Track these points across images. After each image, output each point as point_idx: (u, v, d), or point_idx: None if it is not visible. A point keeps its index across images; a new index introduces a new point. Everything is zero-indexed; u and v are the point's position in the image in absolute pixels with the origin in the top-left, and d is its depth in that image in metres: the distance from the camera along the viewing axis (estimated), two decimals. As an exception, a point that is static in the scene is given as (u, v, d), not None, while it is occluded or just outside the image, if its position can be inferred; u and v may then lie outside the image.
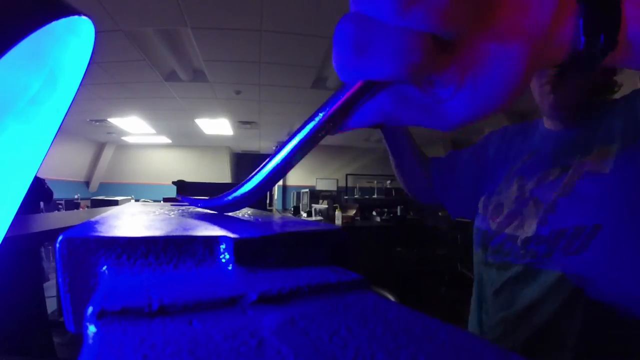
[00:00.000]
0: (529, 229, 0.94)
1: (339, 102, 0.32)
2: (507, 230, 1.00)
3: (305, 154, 0.36)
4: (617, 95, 0.99)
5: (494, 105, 0.29)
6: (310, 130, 0.33)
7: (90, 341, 0.18)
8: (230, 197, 0.44)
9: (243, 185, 0.41)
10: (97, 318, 0.19)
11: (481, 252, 1.08)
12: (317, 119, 0.33)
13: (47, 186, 5.09)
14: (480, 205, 1.15)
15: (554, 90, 0.95)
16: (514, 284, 0.95)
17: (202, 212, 0.56)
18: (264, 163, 0.38)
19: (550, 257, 0.87)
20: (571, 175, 0.91)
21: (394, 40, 0.25)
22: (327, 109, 0.32)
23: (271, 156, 0.37)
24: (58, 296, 3.18)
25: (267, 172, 0.38)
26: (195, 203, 0.59)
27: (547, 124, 1.07)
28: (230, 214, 0.52)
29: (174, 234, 0.30)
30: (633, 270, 0.76)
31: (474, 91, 0.28)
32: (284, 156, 0.36)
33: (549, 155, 1.00)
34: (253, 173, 0.39)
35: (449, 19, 0.24)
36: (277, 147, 0.37)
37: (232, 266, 0.29)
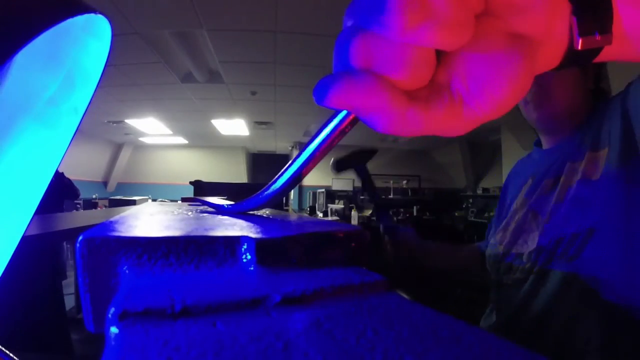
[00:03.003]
0: (532, 242, 0.96)
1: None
2: (514, 250, 1.02)
3: (326, 153, 0.36)
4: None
5: (493, 110, 0.28)
6: (329, 134, 0.33)
7: (113, 343, 0.18)
8: (254, 202, 0.46)
9: (268, 188, 0.42)
10: (119, 319, 0.19)
11: (495, 275, 1.09)
12: (334, 122, 0.33)
13: (75, 186, 5.14)
14: (492, 239, 1.16)
15: (537, 105, 1.01)
16: (525, 295, 0.95)
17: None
18: (287, 165, 0.39)
19: (549, 265, 0.89)
20: (563, 183, 0.93)
21: (398, 56, 0.25)
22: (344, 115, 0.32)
23: (294, 159, 0.38)
24: (76, 293, 3.24)
25: (290, 174, 0.38)
26: (218, 208, 0.59)
27: (544, 142, 1.11)
28: (250, 212, 0.52)
29: (195, 234, 0.30)
30: (630, 272, 0.76)
31: (473, 97, 0.27)
32: (305, 158, 0.36)
33: (546, 171, 1.03)
34: (278, 175, 0.40)
35: (453, 34, 0.24)
36: (292, 146, 0.38)
37: (254, 267, 0.29)
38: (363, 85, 0.26)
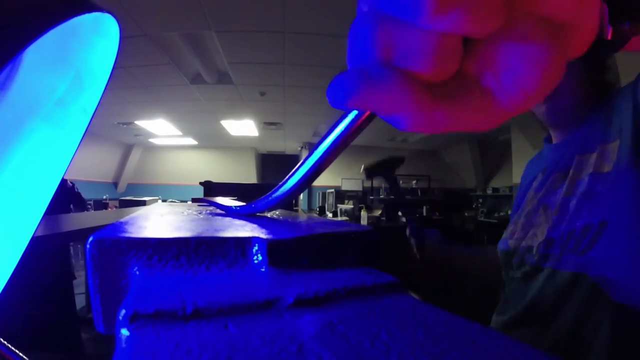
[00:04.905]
0: (541, 235, 0.95)
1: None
2: (524, 243, 1.01)
3: (340, 153, 0.32)
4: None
5: (524, 103, 0.25)
6: (344, 129, 0.30)
7: (124, 345, 0.18)
8: (263, 204, 0.44)
9: (278, 189, 0.40)
10: (130, 321, 0.19)
11: (507, 270, 1.09)
12: (347, 119, 0.30)
13: (77, 190, 5.20)
14: (504, 234, 1.16)
15: (544, 100, 0.97)
16: (533, 291, 0.95)
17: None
18: (298, 165, 0.36)
19: (560, 259, 0.87)
20: (572, 176, 0.92)
21: (424, 46, 0.22)
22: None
23: (305, 158, 0.35)
24: (86, 293, 3.26)
25: (302, 174, 0.36)
26: (227, 210, 0.57)
27: (554, 137, 1.11)
28: (258, 214, 0.51)
29: (205, 234, 0.29)
30: None
31: (505, 90, 0.24)
32: (318, 157, 0.33)
33: (555, 165, 1.02)
34: (288, 175, 0.38)
35: (485, 18, 0.21)
36: (302, 147, 0.36)
37: (265, 268, 0.28)
38: (384, 84, 0.22)
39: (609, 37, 0.26)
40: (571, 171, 0.93)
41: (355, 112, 0.29)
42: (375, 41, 0.22)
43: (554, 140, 1.11)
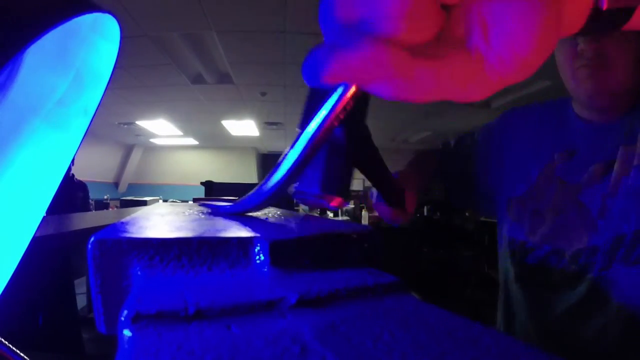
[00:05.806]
0: (580, 240, 0.82)
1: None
2: (551, 243, 0.87)
3: (326, 138, 0.30)
4: None
5: (516, 70, 0.23)
6: (328, 113, 0.28)
7: (126, 346, 0.18)
8: (248, 203, 0.43)
9: (262, 186, 0.38)
10: (132, 322, 0.19)
11: (515, 266, 0.95)
12: (332, 99, 0.28)
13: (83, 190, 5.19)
14: (511, 209, 0.99)
15: (592, 76, 0.80)
16: (568, 306, 0.83)
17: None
18: (278, 162, 0.35)
19: (608, 270, 0.76)
20: (617, 171, 0.79)
21: (389, 5, 0.21)
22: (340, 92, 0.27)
23: (290, 147, 0.33)
24: (88, 292, 3.25)
25: (289, 166, 0.34)
26: (216, 209, 0.56)
27: (583, 112, 0.92)
28: (259, 214, 0.51)
29: (207, 235, 0.29)
30: None
31: (495, 53, 0.23)
32: (298, 154, 0.32)
33: (591, 154, 0.87)
34: (269, 174, 0.36)
35: None
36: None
37: (268, 268, 0.28)
38: (357, 52, 0.21)
39: (605, 7, 0.24)
40: (616, 165, 0.79)
41: (340, 89, 0.27)
42: (340, 9, 0.22)
43: (583, 114, 0.92)
